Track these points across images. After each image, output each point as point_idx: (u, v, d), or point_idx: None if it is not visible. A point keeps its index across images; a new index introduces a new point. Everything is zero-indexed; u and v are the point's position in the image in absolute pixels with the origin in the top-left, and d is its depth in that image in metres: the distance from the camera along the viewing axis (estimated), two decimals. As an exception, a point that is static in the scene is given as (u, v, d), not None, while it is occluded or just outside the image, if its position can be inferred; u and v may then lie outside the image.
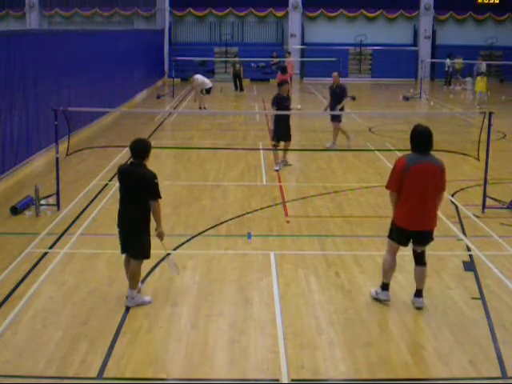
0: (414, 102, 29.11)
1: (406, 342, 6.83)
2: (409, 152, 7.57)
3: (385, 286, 7.74)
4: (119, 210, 7.65)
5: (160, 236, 7.62)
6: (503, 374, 6.20)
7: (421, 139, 7.39)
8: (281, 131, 14.40)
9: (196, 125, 21.21)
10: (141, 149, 7.50)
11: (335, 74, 17.07)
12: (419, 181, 7.27)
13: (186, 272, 8.63)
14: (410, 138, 7.48)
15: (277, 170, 14.40)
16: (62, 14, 39.03)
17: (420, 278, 7.60)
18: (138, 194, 7.45)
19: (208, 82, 25.02)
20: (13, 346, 6.63)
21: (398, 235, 7.54)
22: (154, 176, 7.45)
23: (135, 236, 7.52)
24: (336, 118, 16.74)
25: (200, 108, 24.36)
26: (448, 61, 34.48)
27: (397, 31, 39.50)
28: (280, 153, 14.77)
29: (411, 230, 7.44)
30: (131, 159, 7.62)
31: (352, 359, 6.46)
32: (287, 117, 14.45)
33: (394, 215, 7.55)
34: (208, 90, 25.01)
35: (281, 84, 14.87)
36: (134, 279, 7.57)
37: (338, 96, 16.80)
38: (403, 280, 8.42)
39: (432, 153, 7.52)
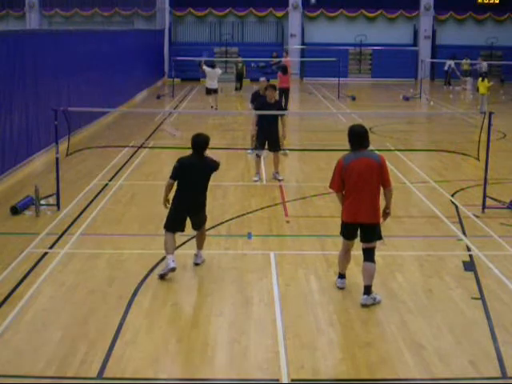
0: (414, 102, 29.13)
1: (406, 342, 6.83)
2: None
3: (340, 275, 8.17)
4: (184, 197, 8.50)
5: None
6: (503, 374, 6.20)
7: (355, 138, 7.73)
8: (261, 138, 13.36)
9: (196, 125, 21.19)
10: (204, 142, 8.58)
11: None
12: (355, 175, 7.58)
13: (186, 272, 8.63)
14: (347, 138, 7.81)
15: (255, 181, 13.46)
16: (61, 14, 39.03)
17: (366, 275, 7.69)
18: (206, 181, 8.61)
19: (209, 82, 24.37)
20: (13, 345, 6.63)
21: (343, 230, 7.91)
22: (218, 163, 8.75)
23: (202, 214, 8.79)
24: None
25: (212, 108, 24.12)
26: (452, 62, 34.40)
27: (397, 31, 39.50)
28: (275, 162, 13.68)
29: (353, 224, 7.73)
30: (194, 152, 8.54)
31: (352, 359, 6.46)
32: (271, 123, 13.20)
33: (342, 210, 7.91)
34: (209, 91, 24.39)
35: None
36: (203, 241, 8.94)
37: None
38: (403, 280, 8.44)
39: (370, 149, 7.81)
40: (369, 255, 7.74)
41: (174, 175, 8.52)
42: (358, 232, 7.84)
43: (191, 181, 8.47)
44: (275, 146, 13.52)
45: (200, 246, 8.97)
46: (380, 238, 7.87)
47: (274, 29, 39.86)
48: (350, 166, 7.61)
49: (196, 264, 8.84)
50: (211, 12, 39.40)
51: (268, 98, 13.45)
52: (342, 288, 8.11)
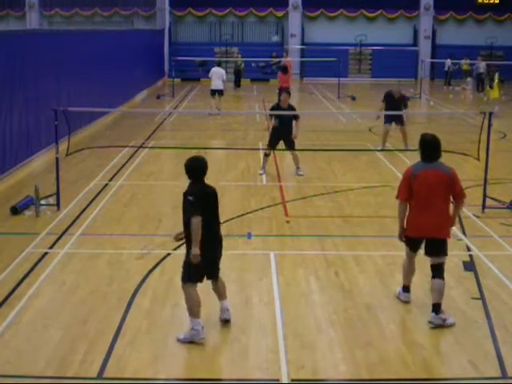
0: (414, 101, 29.09)
1: (406, 342, 6.83)
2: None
3: (404, 288, 7.76)
4: (212, 234, 6.95)
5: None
6: (503, 374, 6.20)
7: (427, 148, 7.36)
8: (274, 139, 13.82)
9: (196, 125, 21.21)
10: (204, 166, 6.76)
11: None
12: (423, 187, 7.23)
13: (186, 272, 8.62)
14: (418, 146, 7.45)
15: (261, 174, 13.97)
16: (62, 13, 39.06)
17: (434, 292, 7.20)
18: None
19: (213, 83, 23.82)
20: (13, 346, 6.63)
21: (407, 241, 7.53)
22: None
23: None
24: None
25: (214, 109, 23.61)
26: (449, 61, 34.44)
27: (397, 31, 39.48)
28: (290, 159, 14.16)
29: (417, 238, 7.40)
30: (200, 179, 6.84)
31: (352, 359, 6.45)
32: (284, 126, 13.60)
33: (399, 224, 7.45)
34: (213, 92, 23.80)
35: (280, 92, 14.27)
36: (220, 288, 7.13)
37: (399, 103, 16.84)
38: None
39: (441, 160, 7.40)
40: (436, 271, 7.29)
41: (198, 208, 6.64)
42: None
43: (213, 211, 6.99)
44: (291, 145, 13.88)
45: (221, 296, 7.14)
46: (445, 253, 7.36)
47: (274, 29, 39.86)
48: (419, 177, 7.24)
49: (226, 320, 7.06)
50: (211, 12, 39.40)
51: (281, 103, 13.91)
52: (406, 302, 7.68)
